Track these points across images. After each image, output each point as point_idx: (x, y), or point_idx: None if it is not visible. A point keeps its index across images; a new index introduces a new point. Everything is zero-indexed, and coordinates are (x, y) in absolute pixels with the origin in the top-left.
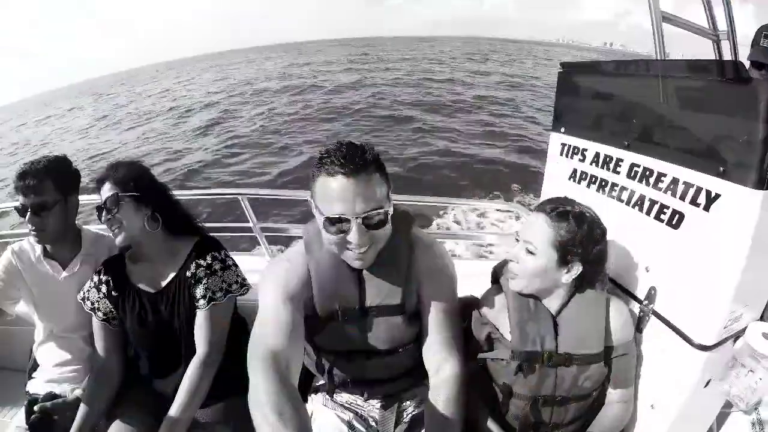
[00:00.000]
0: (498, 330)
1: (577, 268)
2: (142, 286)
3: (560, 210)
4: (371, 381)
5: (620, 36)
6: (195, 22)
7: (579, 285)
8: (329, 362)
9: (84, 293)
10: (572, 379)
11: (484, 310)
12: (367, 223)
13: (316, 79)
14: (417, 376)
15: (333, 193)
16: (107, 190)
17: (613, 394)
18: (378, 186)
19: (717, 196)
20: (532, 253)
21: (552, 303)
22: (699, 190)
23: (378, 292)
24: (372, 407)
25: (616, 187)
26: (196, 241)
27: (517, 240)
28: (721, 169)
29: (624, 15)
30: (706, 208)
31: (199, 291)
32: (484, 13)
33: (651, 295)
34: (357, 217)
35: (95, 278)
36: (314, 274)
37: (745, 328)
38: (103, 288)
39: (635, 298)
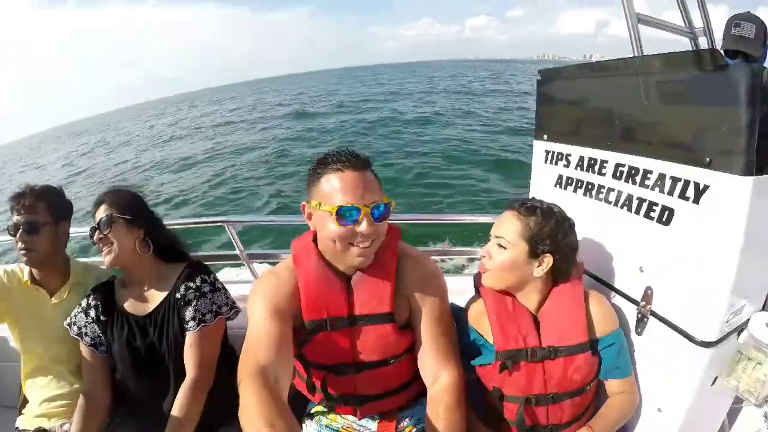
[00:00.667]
0: (482, 336)
1: (548, 261)
2: (130, 310)
3: (528, 205)
4: (364, 397)
5: (599, 48)
6: (184, 61)
7: (555, 280)
8: (320, 378)
9: (71, 318)
10: (561, 372)
11: (468, 317)
12: (374, 215)
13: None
14: (413, 392)
15: (344, 185)
16: (102, 211)
17: (612, 385)
18: (377, 181)
19: (706, 187)
20: (503, 247)
21: (530, 301)
22: (687, 183)
23: (367, 300)
24: (369, 431)
25: (602, 190)
26: (185, 266)
27: (490, 238)
28: (708, 159)
29: (602, 27)
30: (696, 200)
31: (189, 313)
32: (466, 36)
33: (647, 296)
34: (367, 206)
35: (83, 303)
36: (302, 283)
37: (748, 320)
38: (92, 312)
39: (631, 300)
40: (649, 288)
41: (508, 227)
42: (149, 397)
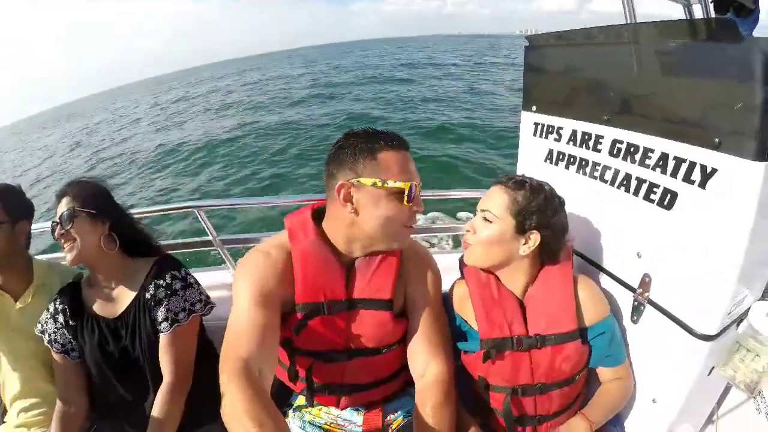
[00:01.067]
0: (466, 322)
1: (535, 238)
2: (100, 312)
3: (517, 179)
4: (351, 386)
5: (582, 24)
6: (175, 39)
7: (542, 261)
8: (306, 367)
9: (41, 325)
10: (548, 362)
11: (454, 303)
12: None
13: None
14: (401, 382)
15: (406, 165)
16: (64, 204)
17: (605, 372)
18: None
19: (714, 171)
20: (488, 221)
21: (515, 282)
22: (693, 165)
23: (367, 285)
24: (354, 425)
25: (598, 167)
26: (153, 261)
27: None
28: (717, 140)
29: (584, 2)
30: (702, 185)
31: (161, 313)
32: (448, 10)
33: (645, 283)
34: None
35: (51, 308)
36: (299, 262)
37: (748, 309)
38: (60, 317)
39: (627, 286)
40: (647, 275)
41: (495, 201)
42: (127, 401)
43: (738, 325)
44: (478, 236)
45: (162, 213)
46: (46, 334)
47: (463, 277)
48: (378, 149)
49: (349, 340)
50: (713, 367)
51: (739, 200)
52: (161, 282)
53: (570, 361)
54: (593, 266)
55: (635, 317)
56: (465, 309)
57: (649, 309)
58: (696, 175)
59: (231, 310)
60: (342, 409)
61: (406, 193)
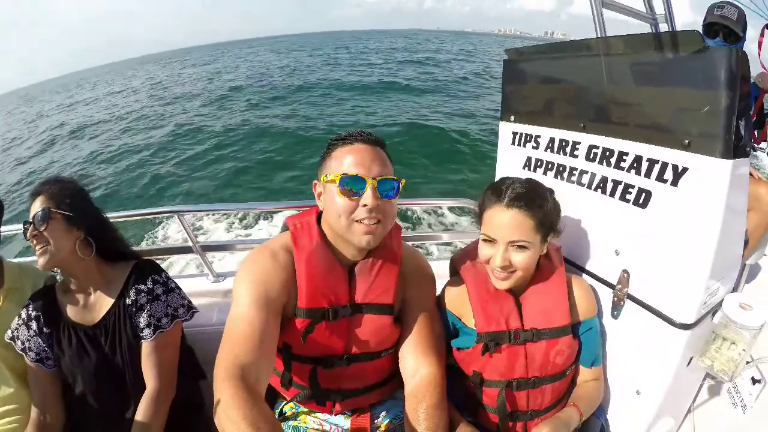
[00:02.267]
0: (460, 319)
1: (550, 238)
2: (77, 319)
3: (527, 198)
4: (346, 391)
5: (561, 25)
6: (130, 25)
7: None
8: (305, 373)
9: (12, 331)
10: (543, 355)
11: (447, 302)
12: (381, 190)
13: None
14: (392, 387)
15: (352, 157)
16: (38, 204)
17: (585, 373)
18: (389, 161)
19: (684, 170)
20: (525, 248)
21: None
22: (665, 165)
23: (370, 289)
24: (341, 429)
25: (575, 172)
26: (132, 265)
27: (488, 240)
28: (686, 141)
29: (565, 5)
30: (675, 183)
31: (143, 320)
32: (428, 5)
33: (624, 279)
34: (374, 178)
35: (23, 314)
36: (303, 267)
37: (722, 301)
38: (33, 324)
39: (607, 284)
40: (625, 271)
41: (523, 229)
42: (107, 412)
43: (713, 315)
44: (521, 264)
45: (141, 217)
46: (19, 342)
47: (456, 276)
48: (335, 146)
49: (350, 345)
50: (692, 358)
51: (709, 195)
52: (142, 287)
53: (563, 354)
54: (574, 267)
55: (615, 313)
56: (459, 307)
57: (628, 303)
58: (668, 174)
59: (230, 309)
60: (335, 415)
61: (336, 185)
